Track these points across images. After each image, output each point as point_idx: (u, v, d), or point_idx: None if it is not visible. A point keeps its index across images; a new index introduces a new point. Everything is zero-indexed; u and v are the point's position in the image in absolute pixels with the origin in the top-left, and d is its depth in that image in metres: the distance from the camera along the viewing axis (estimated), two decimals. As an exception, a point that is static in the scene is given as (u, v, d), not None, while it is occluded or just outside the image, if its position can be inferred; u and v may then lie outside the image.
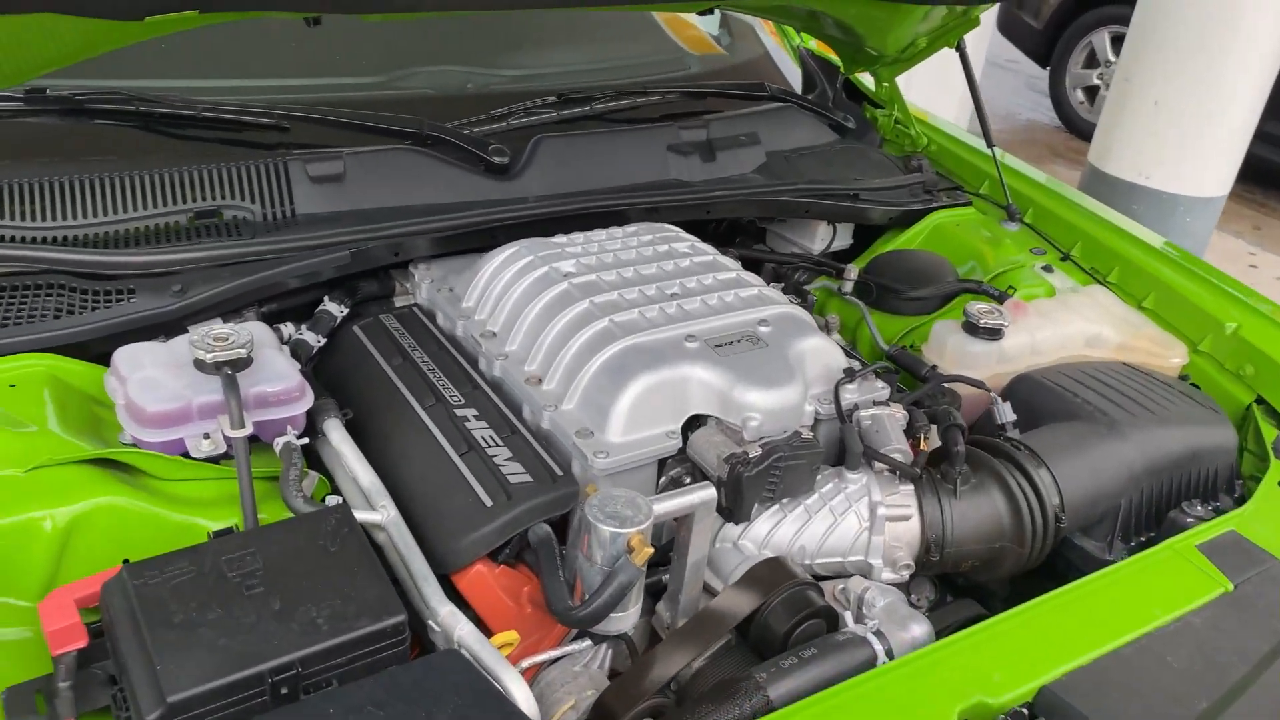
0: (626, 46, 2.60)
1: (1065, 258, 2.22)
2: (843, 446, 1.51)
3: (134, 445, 1.37)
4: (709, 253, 1.78)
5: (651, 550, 1.25)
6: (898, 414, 1.55)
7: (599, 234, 1.80)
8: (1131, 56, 4.33)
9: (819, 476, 1.49)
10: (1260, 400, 1.89)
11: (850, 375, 1.56)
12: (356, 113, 1.88)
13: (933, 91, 5.35)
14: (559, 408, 1.47)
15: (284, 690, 1.13)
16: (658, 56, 2.60)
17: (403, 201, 1.84)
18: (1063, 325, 1.95)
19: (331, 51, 2.18)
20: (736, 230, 2.45)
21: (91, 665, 1.18)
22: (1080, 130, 7.09)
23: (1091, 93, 7.08)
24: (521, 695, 1.19)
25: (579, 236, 1.78)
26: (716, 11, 2.71)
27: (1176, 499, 1.66)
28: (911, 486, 1.48)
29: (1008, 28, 7.46)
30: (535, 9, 1.74)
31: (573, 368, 1.48)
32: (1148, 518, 1.65)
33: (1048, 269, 2.16)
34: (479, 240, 1.82)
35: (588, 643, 1.41)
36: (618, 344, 1.47)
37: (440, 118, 1.99)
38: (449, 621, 1.25)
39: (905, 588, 1.65)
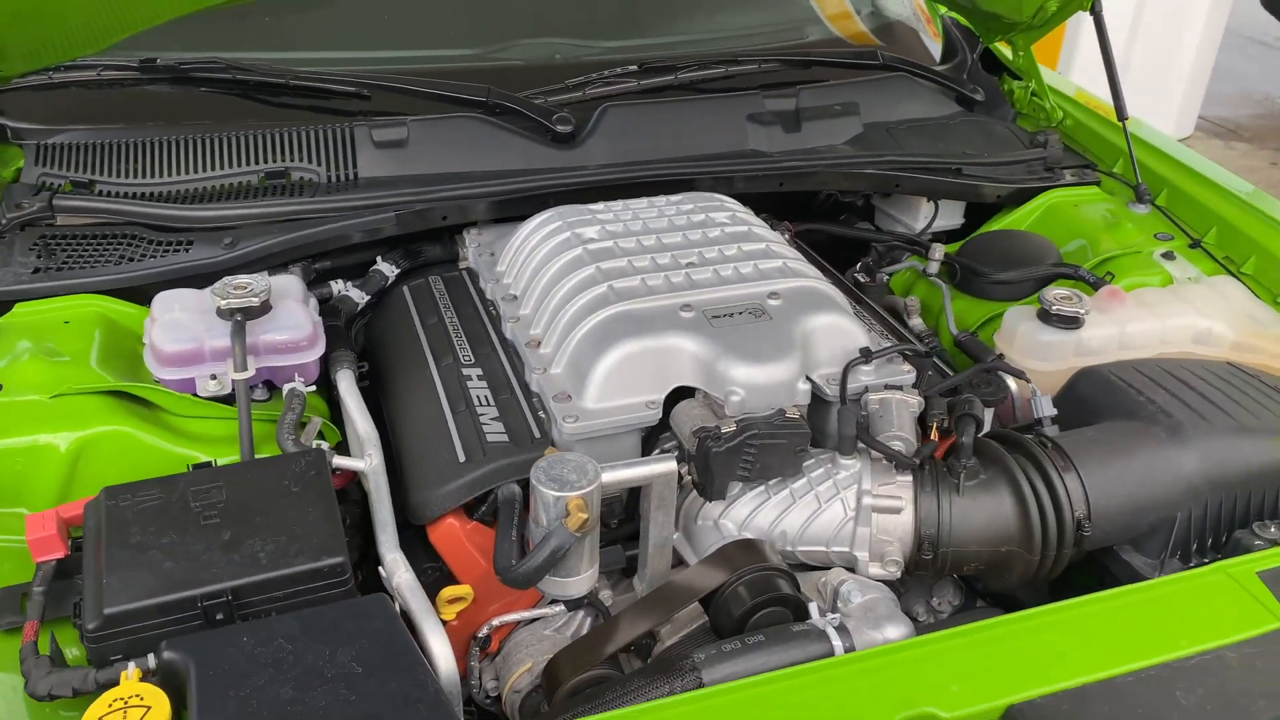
0: (746, 15, 2.53)
1: (1195, 244, 1.97)
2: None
3: (153, 386, 1.49)
4: (747, 224, 1.71)
5: (586, 516, 1.22)
6: (911, 400, 1.43)
7: (639, 202, 1.77)
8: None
9: (811, 460, 1.40)
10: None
11: (866, 356, 1.46)
12: (425, 80, 1.94)
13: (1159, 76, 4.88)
14: (547, 371, 1.46)
15: (219, 615, 1.19)
16: (776, 25, 2.51)
17: (463, 168, 1.88)
18: (1166, 318, 1.74)
19: (434, 25, 2.25)
20: (842, 207, 2.34)
21: (75, 576, 1.29)
22: (1350, 114, 6.27)
23: (1368, 72, 6.23)
24: (439, 649, 1.20)
25: (617, 204, 1.76)
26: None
27: (1253, 519, 1.44)
28: (909, 478, 1.37)
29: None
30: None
31: (565, 331, 1.47)
32: (1215, 537, 1.45)
33: (1169, 256, 1.92)
34: (532, 207, 1.83)
35: (560, 608, 1.41)
36: (607, 309, 1.44)
37: (523, 87, 2.01)
38: (391, 567, 1.28)
39: (928, 590, 1.54)
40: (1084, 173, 2.19)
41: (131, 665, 1.11)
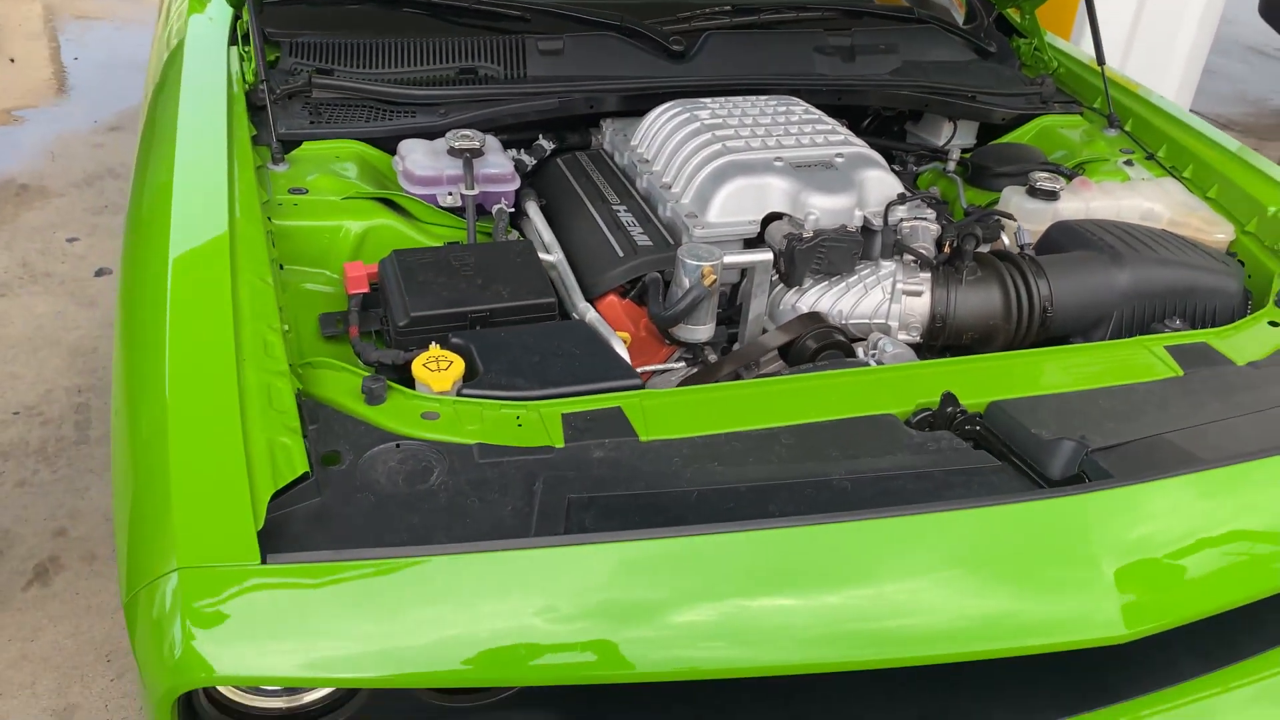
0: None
1: (1150, 156, 2.60)
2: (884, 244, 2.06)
3: (408, 196, 2.14)
4: (818, 114, 2.35)
5: (716, 278, 1.86)
6: (932, 227, 2.07)
7: (738, 98, 2.41)
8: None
9: (861, 265, 2.04)
10: (1289, 270, 2.23)
11: (901, 199, 2.10)
12: (576, 7, 2.59)
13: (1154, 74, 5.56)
14: (680, 201, 2.10)
15: (478, 326, 1.84)
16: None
17: (604, 73, 2.52)
18: (1120, 200, 2.37)
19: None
20: (883, 129, 2.98)
21: (371, 309, 1.93)
22: (1339, 113, 6.85)
23: (1357, 73, 6.80)
24: (620, 348, 1.84)
25: (721, 99, 2.40)
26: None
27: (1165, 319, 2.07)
28: (929, 275, 2.01)
29: (1269, 11, 7.22)
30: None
31: (690, 175, 2.11)
32: (1141, 331, 2.08)
33: (1129, 163, 2.56)
34: (653, 103, 2.47)
35: (682, 365, 2.05)
36: (722, 158, 2.08)
37: (645, 18, 2.66)
38: (583, 309, 1.93)
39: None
40: (1070, 106, 2.82)
41: (433, 343, 1.75)
